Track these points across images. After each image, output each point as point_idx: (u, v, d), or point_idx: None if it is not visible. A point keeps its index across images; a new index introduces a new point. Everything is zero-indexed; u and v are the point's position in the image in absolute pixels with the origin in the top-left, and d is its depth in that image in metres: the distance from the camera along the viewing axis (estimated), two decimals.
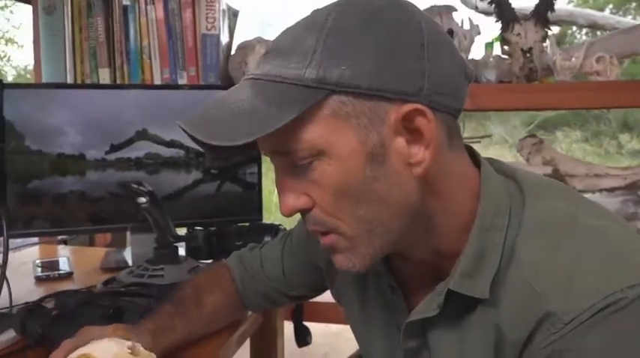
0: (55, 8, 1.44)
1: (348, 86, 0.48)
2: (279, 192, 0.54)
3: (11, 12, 8.64)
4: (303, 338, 1.24)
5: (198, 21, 1.39)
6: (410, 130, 0.50)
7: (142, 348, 0.62)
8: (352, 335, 0.75)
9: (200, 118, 0.52)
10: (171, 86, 1.40)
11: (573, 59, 1.28)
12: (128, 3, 1.43)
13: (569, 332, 0.47)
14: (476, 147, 0.62)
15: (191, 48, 1.39)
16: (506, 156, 6.82)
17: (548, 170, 1.35)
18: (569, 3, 9.76)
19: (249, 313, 0.96)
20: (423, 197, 0.53)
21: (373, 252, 0.54)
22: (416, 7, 0.53)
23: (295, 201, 0.53)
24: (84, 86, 1.39)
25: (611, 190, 1.36)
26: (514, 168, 0.60)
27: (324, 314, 1.46)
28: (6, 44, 9.01)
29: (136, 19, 1.41)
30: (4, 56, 9.15)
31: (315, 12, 0.53)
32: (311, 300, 1.21)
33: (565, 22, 6.68)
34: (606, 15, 6.59)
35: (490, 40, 1.38)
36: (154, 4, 1.40)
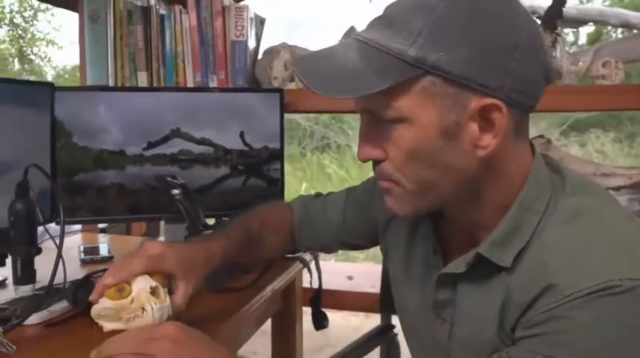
0: (98, 17, 1.57)
1: (441, 70, 0.55)
2: (360, 141, 0.63)
3: (52, 14, 8.98)
4: (320, 322, 1.34)
5: (228, 29, 1.50)
6: (484, 119, 0.58)
7: (162, 292, 0.68)
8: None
9: (311, 67, 0.61)
10: (202, 89, 1.52)
11: (580, 63, 1.34)
12: (165, 12, 1.56)
13: (565, 303, 0.54)
14: None
15: (221, 53, 1.51)
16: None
17: None
18: (603, 2, 9.61)
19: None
20: (480, 174, 0.61)
21: (420, 205, 0.64)
22: (523, 7, 0.60)
23: (371, 151, 0.62)
24: (125, 89, 1.52)
25: (618, 189, 1.41)
26: (564, 166, 0.67)
27: (341, 302, 1.56)
28: (47, 45, 9.37)
29: (172, 27, 1.53)
30: (45, 57, 9.52)
31: (413, 2, 0.59)
32: (328, 288, 1.32)
33: (596, 21, 6.59)
34: (639, 14, 6.49)
35: None
36: (187, 13, 1.52)
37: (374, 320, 1.48)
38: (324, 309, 1.35)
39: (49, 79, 9.65)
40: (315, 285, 1.31)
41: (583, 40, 9.55)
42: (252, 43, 1.55)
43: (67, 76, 9.52)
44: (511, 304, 0.60)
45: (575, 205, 0.61)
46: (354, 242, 0.94)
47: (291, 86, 1.55)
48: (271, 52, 1.57)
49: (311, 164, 7.03)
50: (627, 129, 7.23)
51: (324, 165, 6.91)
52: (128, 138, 1.32)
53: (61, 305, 0.91)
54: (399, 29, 0.57)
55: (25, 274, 0.93)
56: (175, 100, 1.36)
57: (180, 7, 1.54)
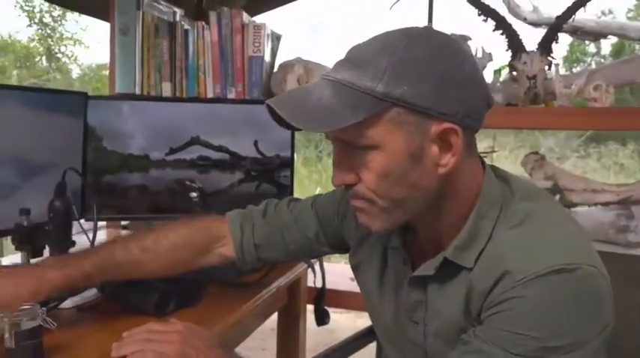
0: (128, 30, 1.70)
1: (406, 102, 0.65)
2: (334, 168, 0.71)
3: (79, 15, 9.23)
4: (322, 318, 1.44)
5: (246, 45, 1.62)
6: (443, 141, 0.67)
7: None
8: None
9: (288, 103, 0.69)
10: (221, 100, 1.64)
11: (573, 86, 1.43)
12: (189, 28, 1.68)
13: (517, 285, 0.64)
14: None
15: (239, 67, 1.63)
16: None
17: (549, 184, 1.50)
18: (628, 12, 9.54)
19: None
20: (440, 188, 0.70)
21: (391, 221, 0.72)
22: (466, 46, 0.72)
23: (344, 176, 0.70)
24: (150, 99, 1.64)
25: (606, 204, 1.50)
26: (511, 174, 0.78)
27: (343, 301, 1.66)
28: (74, 45, 9.63)
29: (195, 42, 1.66)
30: (72, 56, 9.78)
31: (389, 35, 0.68)
32: (331, 288, 1.43)
33: (616, 34, 6.59)
34: None
35: (498, 67, 1.55)
36: (210, 29, 1.64)
37: None
38: (326, 308, 1.46)
39: (74, 76, 9.94)
40: (319, 285, 1.42)
41: (606, 51, 9.45)
42: (268, 58, 1.67)
43: (92, 74, 9.79)
44: (475, 293, 0.69)
45: (524, 210, 0.71)
46: (321, 250, 0.98)
47: None
48: (286, 66, 1.69)
49: (327, 168, 7.13)
50: None
51: None
52: (152, 143, 1.45)
53: (91, 292, 1.04)
54: (366, 69, 0.66)
55: None
56: (196, 110, 1.48)
57: (203, 23, 1.66)
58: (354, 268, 0.93)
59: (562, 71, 1.48)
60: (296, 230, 0.96)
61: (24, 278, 0.83)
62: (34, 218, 1.08)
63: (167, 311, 0.96)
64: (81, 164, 1.38)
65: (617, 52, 9.48)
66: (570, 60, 10.44)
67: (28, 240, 1.06)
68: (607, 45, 9.21)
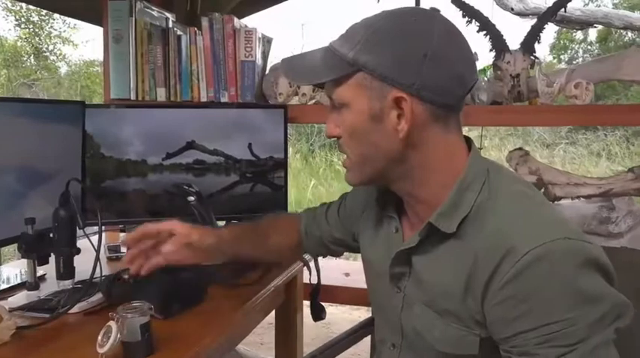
0: (122, 37, 1.74)
1: (369, 69, 0.74)
2: (327, 121, 0.82)
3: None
4: (318, 314, 1.49)
5: (238, 50, 1.66)
6: (400, 108, 0.74)
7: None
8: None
9: (290, 64, 0.84)
10: (215, 104, 1.68)
11: (555, 85, 1.49)
12: (181, 34, 1.72)
13: (521, 259, 0.67)
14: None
15: (232, 72, 1.67)
16: (544, 153, 6.88)
17: (533, 179, 1.56)
18: (613, 1, 9.59)
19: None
20: (404, 152, 0.76)
21: (362, 177, 0.82)
22: (443, 25, 0.76)
23: (333, 129, 0.81)
24: (146, 105, 1.68)
25: (588, 197, 1.56)
26: (491, 160, 0.85)
27: (339, 296, 1.72)
28: (62, 44, 9.56)
29: (188, 47, 1.69)
30: (60, 54, 9.72)
31: (378, 14, 0.77)
32: (326, 284, 1.48)
33: (601, 23, 6.65)
34: None
35: (483, 67, 1.60)
36: (202, 35, 1.68)
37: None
38: (322, 303, 1.51)
39: (62, 72, 9.87)
40: (315, 281, 1.47)
41: (593, 37, 9.52)
42: (259, 61, 1.71)
43: (80, 71, 9.73)
44: (477, 275, 0.72)
45: (519, 190, 0.77)
46: (345, 239, 1.08)
47: (295, 101, 1.71)
48: (277, 69, 1.73)
49: (320, 160, 7.19)
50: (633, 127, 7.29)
51: (332, 162, 7.07)
52: (149, 149, 1.49)
53: (96, 297, 1.08)
54: (347, 39, 0.77)
55: (66, 271, 1.11)
56: (191, 115, 1.53)
57: (196, 29, 1.70)
58: (358, 239, 1.01)
59: (550, 58, 1.53)
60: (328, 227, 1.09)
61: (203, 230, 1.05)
62: (38, 225, 1.13)
63: (172, 313, 1.01)
64: (80, 171, 1.42)
65: (603, 38, 9.58)
66: (558, 47, 10.53)
67: (34, 248, 1.10)
68: (593, 31, 9.31)
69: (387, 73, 0.74)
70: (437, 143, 0.77)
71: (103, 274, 1.26)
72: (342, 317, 3.00)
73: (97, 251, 1.01)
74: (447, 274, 0.76)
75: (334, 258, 1.32)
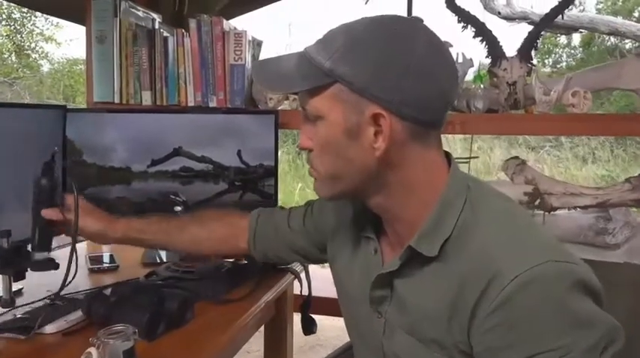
0: (105, 37, 1.67)
1: (346, 81, 0.69)
2: (300, 133, 0.77)
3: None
4: (309, 327, 1.44)
5: (227, 53, 1.60)
6: (377, 125, 0.69)
7: None
8: None
9: (263, 68, 0.79)
10: (204, 109, 1.62)
11: (552, 93, 1.46)
12: (168, 35, 1.66)
13: (509, 285, 0.63)
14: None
15: (220, 76, 1.61)
16: (529, 156, 6.92)
17: (529, 189, 1.53)
18: (597, 4, 9.70)
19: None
20: (381, 170, 0.72)
21: (333, 192, 0.77)
22: (426, 36, 0.71)
23: (304, 141, 0.76)
24: (130, 110, 1.61)
25: (585, 207, 1.53)
26: (470, 175, 0.81)
27: (329, 308, 1.66)
28: (45, 42, 9.39)
29: (175, 49, 1.63)
30: (42, 52, 9.54)
31: (362, 18, 0.72)
32: (317, 295, 1.43)
33: (586, 28, 6.70)
34: (627, 22, 6.61)
35: (479, 74, 1.56)
36: (190, 37, 1.62)
37: None
38: (313, 315, 1.46)
39: (45, 70, 9.70)
40: (305, 293, 1.42)
41: (576, 42, 9.62)
42: (249, 65, 1.65)
43: (63, 69, 9.56)
44: (466, 290, 0.68)
45: (503, 209, 0.74)
46: (307, 248, 1.04)
47: (285, 106, 1.66)
48: None
49: (306, 164, 7.13)
50: None
51: None
52: (133, 155, 1.43)
53: (75, 315, 1.02)
54: (325, 45, 0.71)
55: (41, 241, 1.04)
56: (178, 121, 1.47)
57: (183, 31, 1.64)
58: (330, 261, 0.96)
59: (534, 62, 1.50)
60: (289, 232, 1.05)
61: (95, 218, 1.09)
62: (14, 236, 1.06)
63: (157, 334, 0.95)
64: (60, 179, 1.35)
65: (586, 43, 9.69)
66: (542, 51, 10.62)
67: (10, 262, 1.04)
68: (577, 36, 9.40)
69: (365, 86, 0.69)
70: (416, 161, 0.73)
71: (85, 288, 1.21)
72: (331, 323, 2.95)
73: (70, 255, 0.95)
74: (430, 298, 0.72)
75: (322, 267, 1.29)
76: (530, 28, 1.56)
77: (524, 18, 6.83)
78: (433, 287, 0.72)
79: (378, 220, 0.83)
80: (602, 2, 9.79)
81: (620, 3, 9.39)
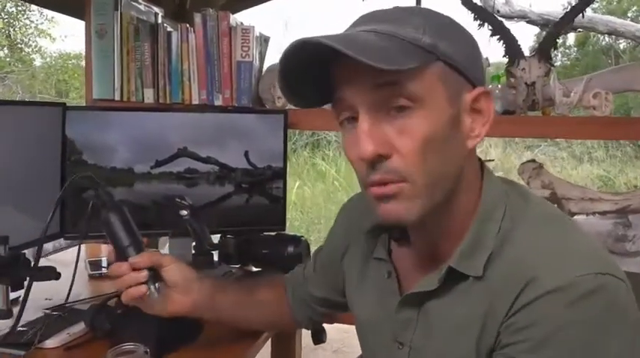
0: (106, 32, 1.60)
1: (449, 58, 0.59)
2: (362, 138, 0.59)
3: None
4: (318, 337, 1.39)
5: (234, 49, 1.53)
6: (474, 110, 0.62)
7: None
8: None
9: (339, 39, 0.56)
10: (209, 108, 1.55)
11: (572, 94, 1.40)
12: (172, 30, 1.59)
13: (549, 296, 0.56)
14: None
15: (227, 73, 1.54)
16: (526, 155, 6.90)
17: (547, 193, 1.47)
18: (593, 4, 9.70)
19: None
20: (462, 169, 0.63)
21: (428, 205, 0.61)
22: None
23: (377, 147, 0.58)
24: (133, 109, 1.54)
25: (604, 213, 1.48)
26: (506, 179, 0.72)
27: (339, 315, 1.61)
28: (39, 36, 9.25)
29: (178, 45, 1.56)
30: (35, 46, 9.40)
31: (400, 8, 0.62)
32: None
33: (585, 27, 6.68)
34: (626, 22, 6.59)
35: (497, 74, 1.51)
36: (194, 32, 1.55)
37: None
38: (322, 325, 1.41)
39: (37, 64, 9.56)
40: None
41: (571, 41, 9.61)
42: (256, 62, 1.59)
43: (57, 64, 9.43)
44: (496, 307, 0.61)
45: (542, 213, 0.65)
46: (332, 297, 0.93)
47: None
48: (274, 70, 1.61)
49: (303, 161, 7.07)
50: None
51: (315, 164, 6.95)
52: (136, 156, 1.36)
53: (78, 328, 0.96)
54: (402, 23, 0.59)
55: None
56: (182, 120, 1.40)
57: (187, 25, 1.57)
58: (346, 290, 0.86)
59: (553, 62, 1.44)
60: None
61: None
62: (12, 242, 0.99)
63: (165, 353, 0.89)
64: (60, 180, 1.29)
65: (581, 43, 9.67)
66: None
67: (8, 271, 0.97)
68: (571, 36, 9.38)
69: (466, 65, 0.60)
70: (472, 159, 0.66)
71: (86, 297, 1.14)
72: (333, 326, 2.91)
73: (76, 263, 0.89)
74: (462, 314, 0.64)
75: None
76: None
77: (522, 17, 6.80)
78: (468, 303, 0.65)
79: (390, 238, 0.74)
80: (597, 2, 9.79)
81: (615, 3, 9.38)
